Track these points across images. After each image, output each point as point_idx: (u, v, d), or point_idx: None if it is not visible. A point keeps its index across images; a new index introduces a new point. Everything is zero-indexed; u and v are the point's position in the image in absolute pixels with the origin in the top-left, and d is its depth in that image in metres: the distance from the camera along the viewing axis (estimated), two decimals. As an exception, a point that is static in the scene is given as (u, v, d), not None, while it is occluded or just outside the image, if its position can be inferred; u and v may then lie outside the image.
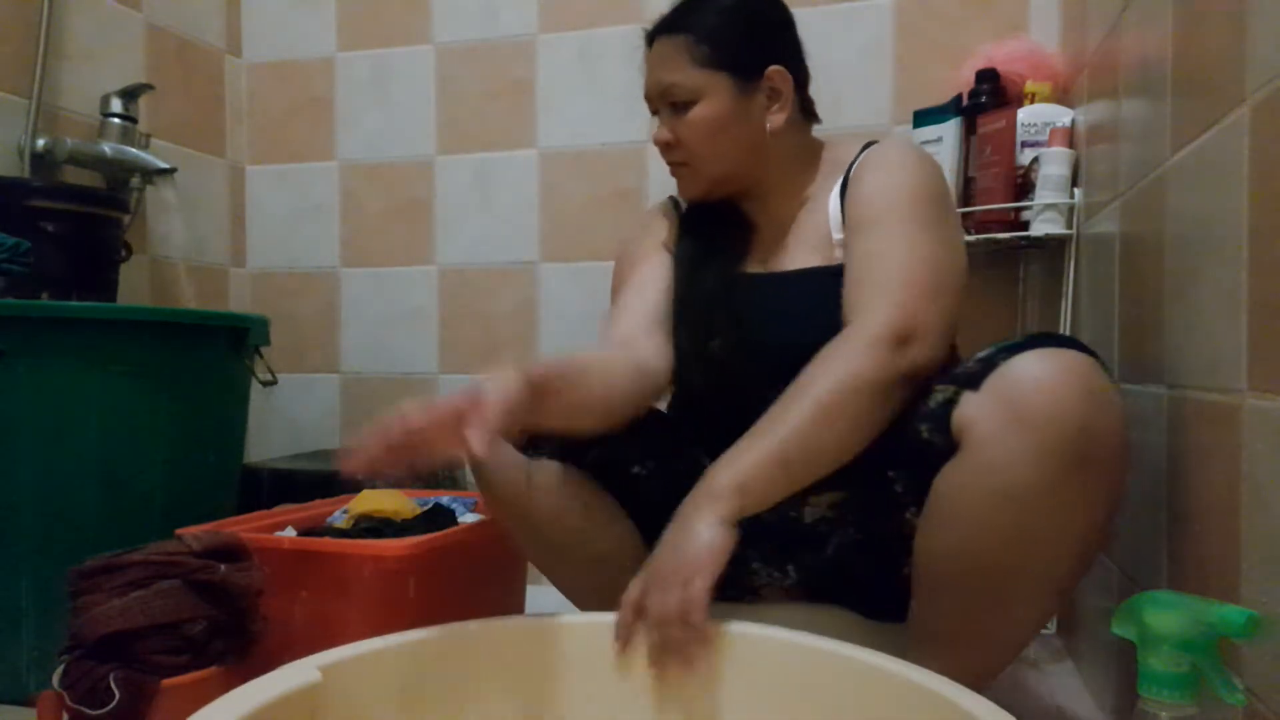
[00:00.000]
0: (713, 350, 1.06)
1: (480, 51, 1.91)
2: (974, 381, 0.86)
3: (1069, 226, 1.38)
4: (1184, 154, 0.85)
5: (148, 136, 1.68)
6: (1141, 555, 0.98)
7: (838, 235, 1.06)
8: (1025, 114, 1.44)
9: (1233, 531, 0.71)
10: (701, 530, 0.82)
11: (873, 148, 1.08)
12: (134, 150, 1.61)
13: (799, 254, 1.10)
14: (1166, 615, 0.61)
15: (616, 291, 1.21)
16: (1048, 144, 1.40)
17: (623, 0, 1.81)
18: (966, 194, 1.50)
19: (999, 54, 1.52)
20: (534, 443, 1.07)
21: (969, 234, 1.45)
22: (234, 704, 0.60)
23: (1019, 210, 1.42)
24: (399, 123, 1.97)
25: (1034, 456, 0.80)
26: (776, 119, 1.09)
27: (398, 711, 0.73)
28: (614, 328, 1.12)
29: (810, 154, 1.14)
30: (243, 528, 1.16)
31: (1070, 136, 1.40)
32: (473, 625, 0.80)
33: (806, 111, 1.14)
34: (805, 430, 0.87)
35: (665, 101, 1.09)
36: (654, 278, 1.15)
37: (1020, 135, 1.44)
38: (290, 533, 1.20)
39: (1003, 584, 0.86)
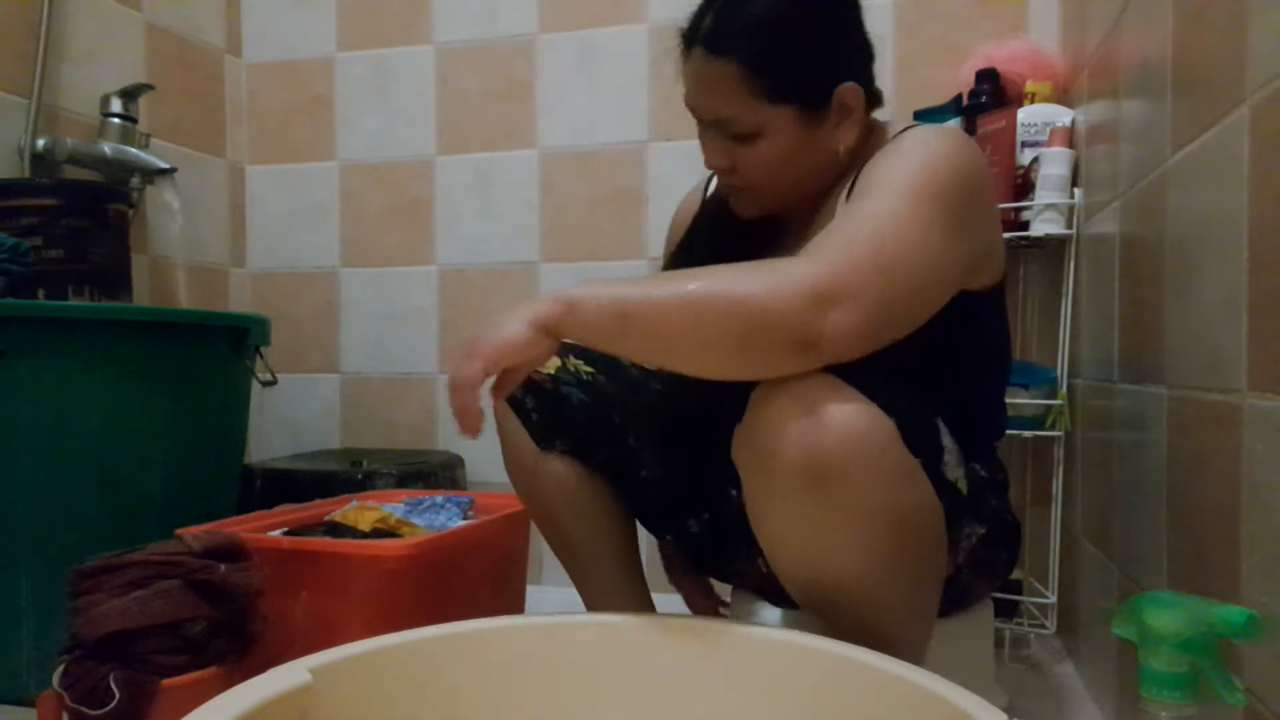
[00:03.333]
0: None
1: (480, 51, 1.91)
2: (743, 413, 0.83)
3: (1069, 226, 1.38)
4: (1184, 154, 0.85)
5: (148, 136, 1.68)
6: (1141, 555, 0.98)
7: None
8: (1025, 114, 1.44)
9: (1233, 531, 0.71)
10: (508, 322, 0.79)
11: (903, 134, 0.94)
12: (134, 150, 1.61)
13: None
14: (1166, 615, 0.61)
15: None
16: (1048, 144, 1.40)
17: (622, 0, 1.82)
18: (966, 194, 1.50)
19: (999, 54, 1.52)
20: (550, 434, 1.09)
21: (969, 234, 1.45)
22: (224, 707, 0.60)
23: (1019, 210, 1.42)
24: (399, 123, 1.97)
25: (779, 491, 0.79)
26: (848, 137, 0.97)
27: (389, 714, 0.73)
28: None
29: (861, 145, 1.00)
30: (242, 528, 1.16)
31: (1070, 136, 1.40)
32: (465, 626, 0.80)
33: (873, 104, 1.00)
34: (665, 303, 0.78)
35: (720, 128, 0.96)
36: None
37: (1020, 135, 1.44)
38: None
39: (836, 603, 0.84)
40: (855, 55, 0.97)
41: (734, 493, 1.09)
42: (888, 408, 0.80)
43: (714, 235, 1.10)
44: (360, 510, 1.24)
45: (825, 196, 1.01)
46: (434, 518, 1.28)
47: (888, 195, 0.85)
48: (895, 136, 0.94)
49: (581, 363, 1.13)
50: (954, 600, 0.97)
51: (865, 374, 0.81)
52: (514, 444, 1.11)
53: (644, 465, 1.11)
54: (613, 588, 1.16)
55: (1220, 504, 0.74)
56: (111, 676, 0.86)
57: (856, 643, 0.76)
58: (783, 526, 0.83)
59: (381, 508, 1.28)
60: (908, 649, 0.82)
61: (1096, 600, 1.20)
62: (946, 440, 0.87)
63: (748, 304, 0.77)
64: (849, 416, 0.77)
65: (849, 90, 0.95)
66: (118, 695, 0.86)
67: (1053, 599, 1.39)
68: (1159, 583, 0.90)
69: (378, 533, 1.19)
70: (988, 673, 1.08)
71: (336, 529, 1.22)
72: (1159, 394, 0.91)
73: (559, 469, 1.09)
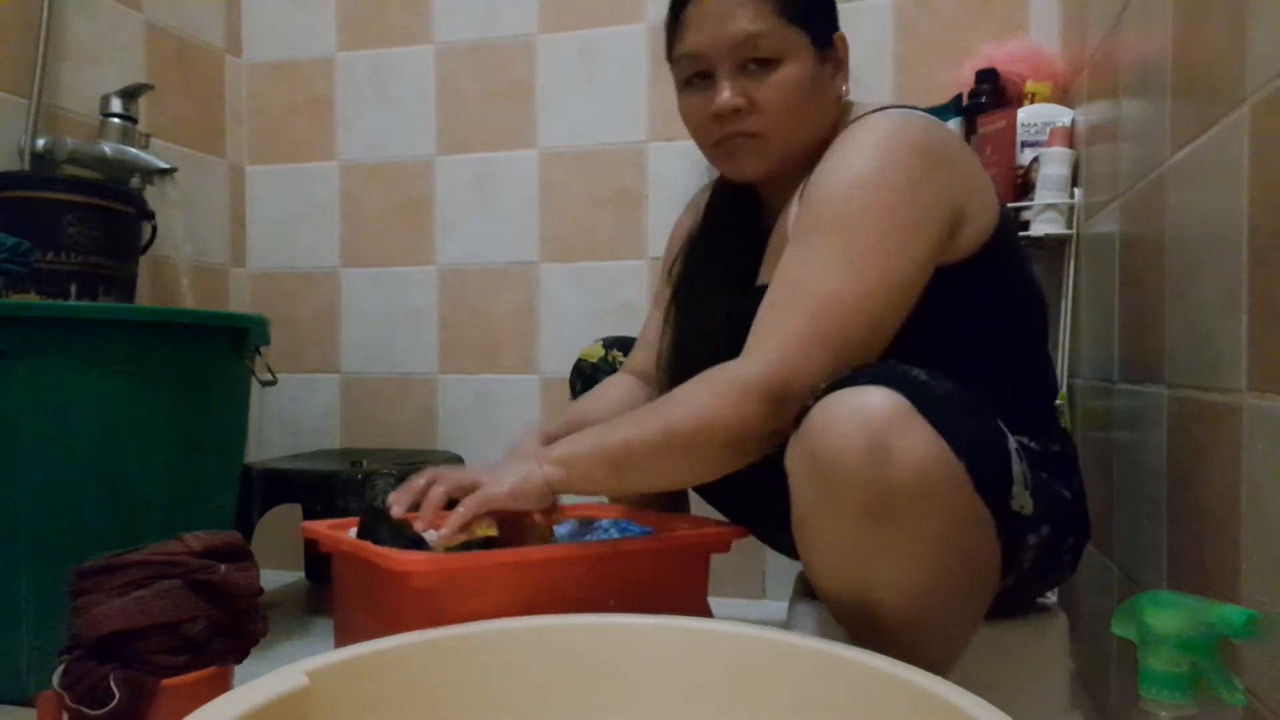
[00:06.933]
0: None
1: (480, 51, 1.91)
2: (799, 420, 0.81)
3: (1069, 226, 1.38)
4: (1184, 154, 0.85)
5: (148, 136, 1.68)
6: (1141, 555, 0.98)
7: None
8: (1025, 114, 1.44)
9: (1233, 531, 0.71)
10: (534, 472, 0.92)
11: (845, 130, 0.94)
12: (134, 150, 1.61)
13: (769, 265, 1.01)
14: (1166, 615, 0.61)
15: (657, 291, 1.24)
16: (1048, 144, 1.40)
17: (622, 0, 1.82)
18: (966, 194, 1.50)
19: (999, 54, 1.52)
20: None
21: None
22: (222, 709, 0.60)
23: (1019, 210, 1.42)
24: (399, 123, 1.97)
25: (831, 514, 0.77)
26: (840, 88, 1.00)
27: (387, 716, 0.73)
28: (634, 355, 1.22)
29: (834, 126, 1.00)
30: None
31: (1070, 136, 1.40)
32: (463, 629, 0.80)
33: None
34: (648, 449, 0.89)
35: (738, 58, 0.94)
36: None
37: (1020, 135, 1.44)
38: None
39: (868, 622, 0.82)
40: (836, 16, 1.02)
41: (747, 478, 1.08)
42: (961, 446, 0.76)
43: (716, 245, 1.11)
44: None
45: (799, 179, 1.00)
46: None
47: (826, 239, 0.88)
48: (844, 131, 0.94)
49: (620, 354, 1.28)
50: (1010, 605, 0.95)
51: (939, 399, 0.77)
52: None
53: None
54: None
55: (1220, 504, 0.74)
56: (111, 676, 0.86)
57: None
58: (828, 546, 0.80)
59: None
60: (938, 667, 0.79)
61: (1096, 600, 1.19)
62: (1016, 467, 0.84)
63: (714, 429, 0.87)
64: (920, 457, 0.74)
65: (841, 39, 1.00)
66: (118, 695, 0.86)
67: (1053, 599, 1.39)
68: (1159, 583, 0.90)
69: None
70: (1061, 692, 1.02)
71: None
72: (1159, 394, 0.91)
73: None
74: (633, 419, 0.92)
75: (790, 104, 0.95)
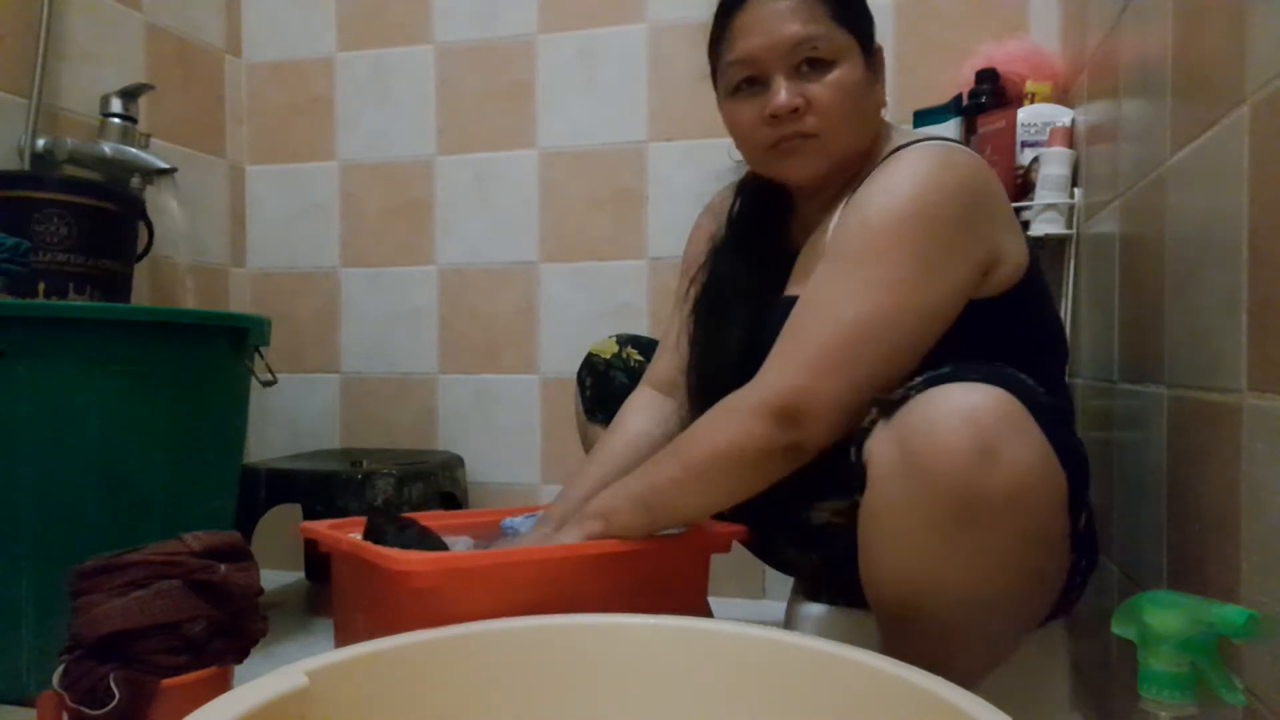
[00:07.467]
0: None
1: (480, 51, 1.91)
2: (890, 411, 0.79)
3: (1069, 226, 1.38)
4: (1184, 154, 0.85)
5: (148, 136, 1.68)
6: (1141, 555, 0.98)
7: None
8: (1025, 114, 1.44)
9: (1233, 531, 0.71)
10: (564, 540, 0.95)
11: (890, 158, 0.94)
12: (134, 150, 1.60)
13: (798, 278, 1.01)
14: (1166, 615, 0.61)
15: (679, 294, 1.18)
16: (1048, 144, 1.40)
17: (622, 0, 1.82)
18: (966, 194, 1.50)
19: (999, 54, 1.52)
20: (596, 407, 1.23)
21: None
22: (221, 710, 0.60)
23: (1019, 210, 1.42)
24: (399, 123, 1.97)
25: (917, 509, 0.75)
26: (882, 99, 1.02)
27: (386, 717, 0.73)
28: (658, 363, 1.18)
29: (871, 146, 1.01)
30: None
31: (1070, 136, 1.40)
32: (463, 629, 0.80)
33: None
34: (670, 486, 0.92)
35: (794, 60, 0.95)
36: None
37: (1020, 135, 1.44)
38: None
39: (917, 621, 0.81)
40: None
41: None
42: (1065, 457, 0.75)
43: (744, 254, 1.09)
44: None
45: (836, 191, 1.01)
46: None
47: (855, 266, 0.88)
48: (889, 157, 0.94)
49: (635, 351, 1.26)
50: None
51: (1046, 406, 0.76)
52: (577, 411, 1.28)
53: None
54: None
55: (1220, 504, 0.74)
56: (111, 676, 0.86)
57: (915, 662, 0.71)
58: (900, 544, 0.79)
59: None
60: (964, 681, 0.76)
61: (1096, 600, 1.19)
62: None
63: (724, 453, 0.89)
64: (1027, 465, 0.72)
65: (880, 50, 1.01)
66: (118, 695, 0.86)
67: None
68: (1159, 583, 0.90)
69: None
70: (1061, 692, 1.02)
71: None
72: (1159, 394, 0.91)
73: (598, 436, 1.19)
74: (655, 460, 0.95)
75: (845, 105, 0.95)
